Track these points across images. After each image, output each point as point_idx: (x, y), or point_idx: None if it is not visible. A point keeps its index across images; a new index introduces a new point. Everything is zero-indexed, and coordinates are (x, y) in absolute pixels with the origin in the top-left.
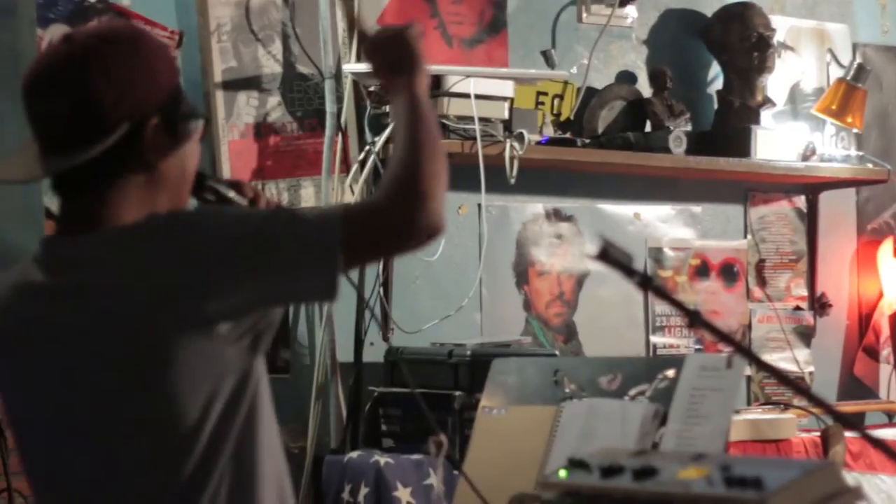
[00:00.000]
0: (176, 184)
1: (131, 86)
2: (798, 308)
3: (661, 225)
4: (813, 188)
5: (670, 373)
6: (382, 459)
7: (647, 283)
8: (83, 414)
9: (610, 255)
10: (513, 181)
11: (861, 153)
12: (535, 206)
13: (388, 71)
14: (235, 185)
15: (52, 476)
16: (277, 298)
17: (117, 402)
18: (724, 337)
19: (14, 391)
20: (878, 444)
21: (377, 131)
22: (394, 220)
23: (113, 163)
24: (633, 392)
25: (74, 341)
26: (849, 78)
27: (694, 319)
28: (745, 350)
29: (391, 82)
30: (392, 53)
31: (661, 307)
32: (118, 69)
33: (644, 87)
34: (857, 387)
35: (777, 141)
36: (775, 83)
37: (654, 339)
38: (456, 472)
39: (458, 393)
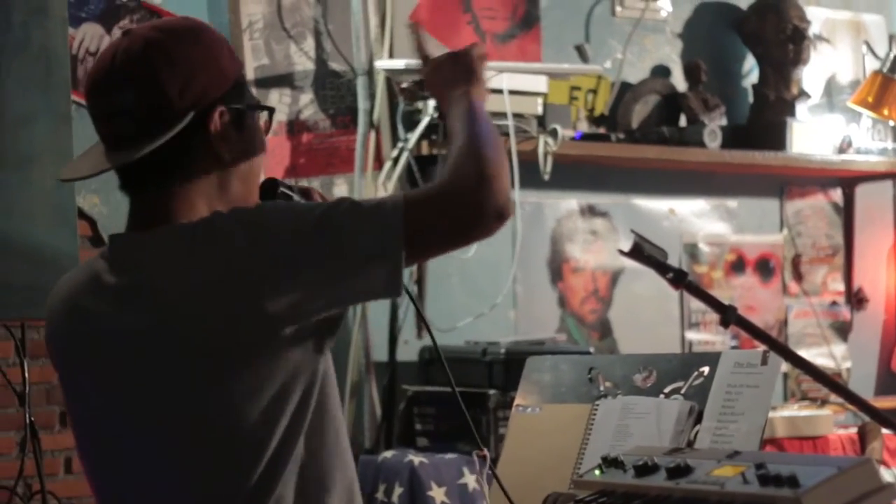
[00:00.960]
0: (245, 178)
1: (195, 74)
2: (834, 303)
3: (697, 220)
4: (849, 181)
5: (705, 370)
6: (417, 459)
7: (681, 280)
8: (147, 416)
9: (643, 251)
10: (547, 177)
11: None
12: (570, 203)
13: (446, 87)
14: (305, 192)
15: (116, 478)
16: (340, 298)
17: (181, 405)
18: (758, 334)
19: (78, 391)
20: None
21: (410, 128)
22: (461, 203)
23: (181, 156)
24: (668, 389)
25: (139, 342)
26: (885, 70)
27: (728, 316)
28: (780, 347)
29: (449, 96)
30: (453, 71)
31: (696, 303)
32: (181, 58)
33: (678, 81)
34: (894, 382)
35: (813, 134)
36: (811, 76)
37: (689, 335)
38: (489, 472)
39: (492, 391)
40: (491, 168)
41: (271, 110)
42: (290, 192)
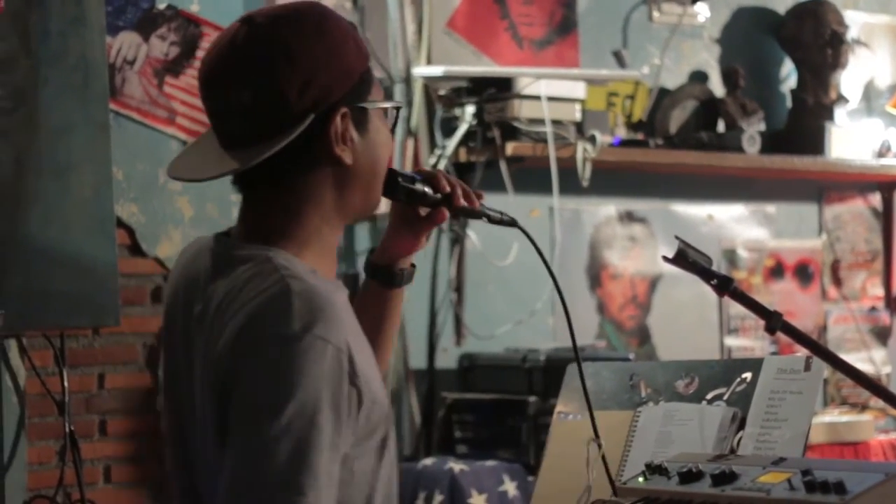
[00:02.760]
0: (366, 179)
1: (317, 73)
2: (874, 308)
3: (735, 225)
4: (888, 186)
5: (748, 376)
6: (457, 466)
7: (726, 287)
8: (202, 437)
9: (688, 257)
10: (585, 183)
11: None
12: (608, 209)
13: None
14: (430, 179)
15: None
16: None
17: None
18: (804, 339)
19: (171, 376)
20: None
21: (448, 135)
22: None
23: (298, 157)
24: (710, 395)
25: (200, 361)
26: None
27: (774, 323)
28: (824, 352)
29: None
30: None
31: (735, 309)
32: (302, 56)
33: (716, 87)
34: None
35: (852, 139)
36: (849, 80)
37: (728, 341)
38: (531, 479)
39: (532, 398)
40: None
41: (398, 107)
42: (411, 186)
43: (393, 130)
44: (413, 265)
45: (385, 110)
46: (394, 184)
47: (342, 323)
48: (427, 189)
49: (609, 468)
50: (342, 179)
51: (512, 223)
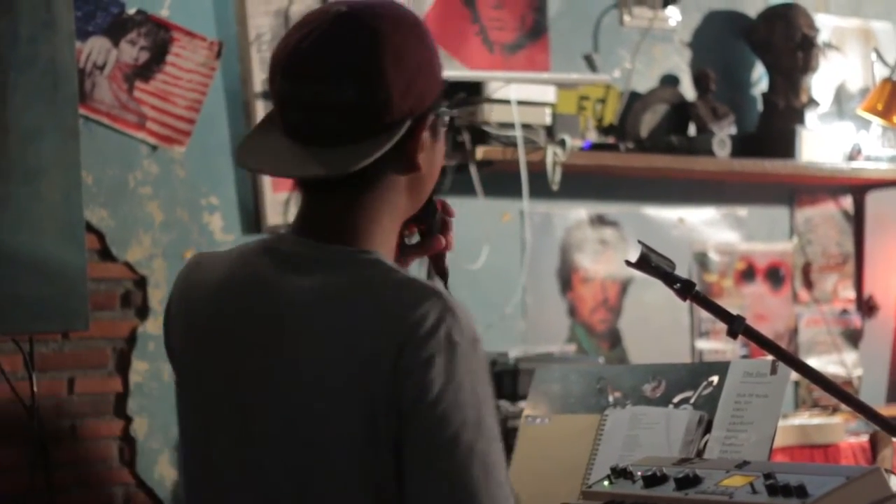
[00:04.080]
0: (425, 189)
1: (418, 76)
2: (845, 311)
3: (706, 229)
4: (859, 189)
5: (714, 379)
6: None
7: (688, 291)
8: (281, 434)
9: (650, 262)
10: (556, 187)
11: None
12: (579, 212)
13: None
14: (443, 205)
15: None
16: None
17: (308, 448)
18: (766, 343)
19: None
20: None
21: None
22: None
23: (387, 160)
24: (677, 399)
25: (329, 368)
26: (895, 77)
27: (735, 327)
28: (788, 356)
29: None
30: None
31: (706, 312)
32: (408, 56)
33: (687, 90)
34: None
35: (823, 142)
36: (820, 84)
37: (699, 344)
38: None
39: (501, 402)
40: None
41: (453, 118)
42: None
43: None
44: None
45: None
46: (433, 211)
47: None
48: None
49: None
50: (414, 184)
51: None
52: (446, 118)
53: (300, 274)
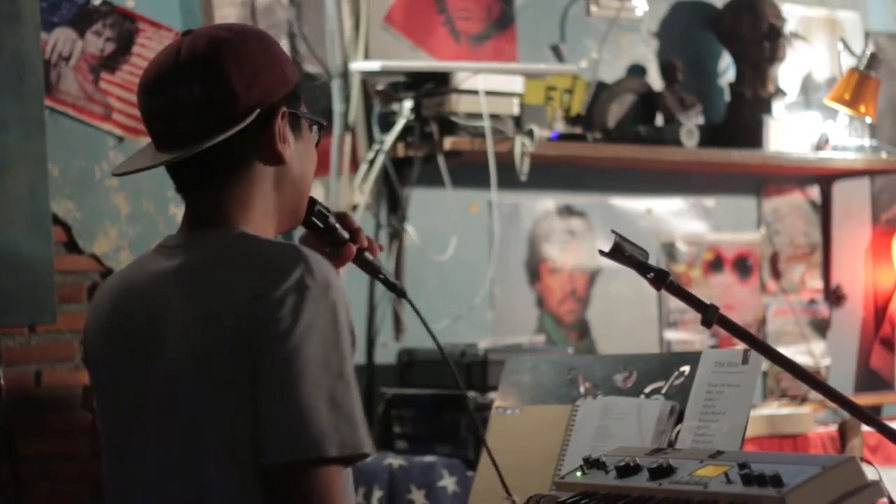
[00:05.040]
0: (298, 185)
1: (260, 72)
2: (813, 300)
3: (674, 219)
4: (826, 179)
5: (686, 369)
6: (396, 462)
7: (662, 280)
8: (172, 412)
9: (624, 251)
10: (523, 178)
11: (875, 142)
12: (547, 203)
13: None
14: (341, 217)
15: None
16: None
17: (205, 421)
18: (740, 332)
19: (115, 385)
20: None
21: (385, 130)
22: None
23: (245, 149)
24: (648, 389)
25: (190, 332)
26: (861, 67)
27: (710, 316)
28: (761, 345)
29: None
30: None
31: (674, 303)
32: (247, 56)
33: (655, 80)
34: (873, 379)
35: (790, 132)
36: (787, 73)
37: (668, 334)
38: (470, 473)
39: (471, 393)
40: None
41: (322, 126)
42: (326, 212)
43: (317, 146)
44: None
45: (310, 126)
46: (311, 208)
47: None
48: (338, 225)
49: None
50: (280, 177)
51: (402, 294)
52: (312, 124)
53: (169, 261)
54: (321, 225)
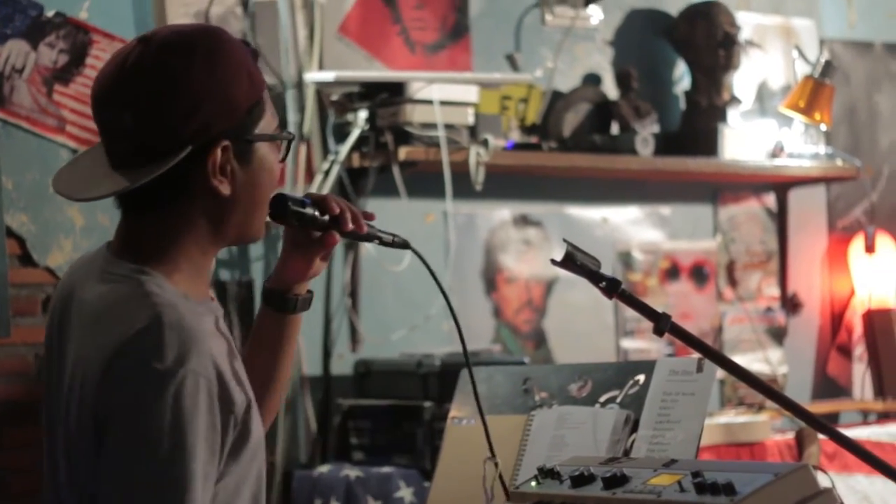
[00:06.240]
0: (246, 209)
1: (201, 104)
2: (769, 308)
3: (630, 228)
4: (782, 186)
5: (641, 378)
6: (353, 473)
7: (614, 289)
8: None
9: (576, 260)
10: (479, 187)
11: (830, 150)
12: (502, 212)
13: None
14: (319, 202)
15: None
16: None
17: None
18: (693, 341)
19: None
20: (849, 445)
21: (340, 140)
22: None
23: (175, 185)
24: (603, 398)
25: (70, 370)
26: (816, 74)
27: (662, 325)
28: (714, 354)
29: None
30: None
31: (631, 311)
32: (189, 85)
33: (610, 89)
34: (830, 386)
35: (745, 140)
36: (742, 81)
37: (625, 343)
38: (427, 484)
39: (427, 404)
40: None
41: (290, 139)
42: (301, 210)
43: (284, 159)
44: (310, 291)
45: (273, 142)
46: (283, 207)
47: (210, 352)
48: (316, 212)
49: (503, 475)
50: (218, 209)
51: (404, 245)
52: (267, 140)
53: (91, 287)
54: (295, 222)
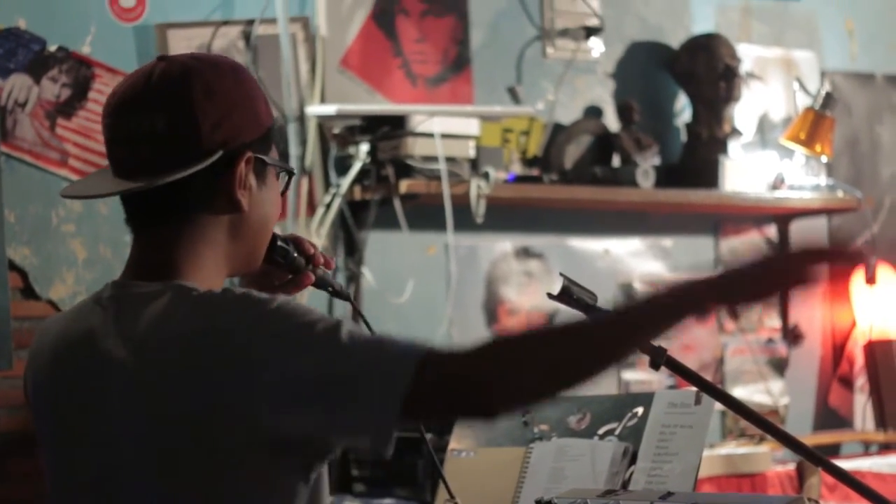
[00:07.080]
0: (256, 232)
1: (231, 112)
2: (771, 339)
3: (632, 260)
4: (783, 218)
5: (639, 410)
6: None
7: None
8: (125, 472)
9: (572, 294)
10: (480, 220)
11: (831, 181)
12: (504, 245)
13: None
14: (297, 242)
15: None
16: (329, 435)
17: (158, 474)
18: (689, 374)
19: (57, 442)
20: (845, 478)
21: (342, 173)
22: (471, 390)
23: (201, 192)
24: (602, 431)
25: (134, 398)
26: (817, 106)
27: (657, 358)
28: (710, 387)
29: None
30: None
31: None
32: (220, 92)
33: (611, 121)
34: (832, 417)
35: (746, 171)
36: (743, 113)
37: (626, 375)
38: None
39: (428, 435)
40: (559, 378)
41: (291, 173)
42: (286, 246)
43: (284, 192)
44: None
45: (277, 173)
46: (272, 245)
47: None
48: (296, 253)
49: None
50: (237, 225)
51: (347, 298)
52: (279, 171)
53: (117, 317)
54: (280, 260)
